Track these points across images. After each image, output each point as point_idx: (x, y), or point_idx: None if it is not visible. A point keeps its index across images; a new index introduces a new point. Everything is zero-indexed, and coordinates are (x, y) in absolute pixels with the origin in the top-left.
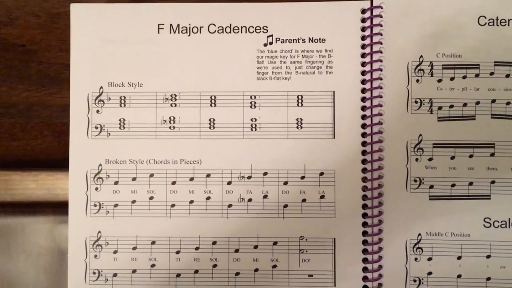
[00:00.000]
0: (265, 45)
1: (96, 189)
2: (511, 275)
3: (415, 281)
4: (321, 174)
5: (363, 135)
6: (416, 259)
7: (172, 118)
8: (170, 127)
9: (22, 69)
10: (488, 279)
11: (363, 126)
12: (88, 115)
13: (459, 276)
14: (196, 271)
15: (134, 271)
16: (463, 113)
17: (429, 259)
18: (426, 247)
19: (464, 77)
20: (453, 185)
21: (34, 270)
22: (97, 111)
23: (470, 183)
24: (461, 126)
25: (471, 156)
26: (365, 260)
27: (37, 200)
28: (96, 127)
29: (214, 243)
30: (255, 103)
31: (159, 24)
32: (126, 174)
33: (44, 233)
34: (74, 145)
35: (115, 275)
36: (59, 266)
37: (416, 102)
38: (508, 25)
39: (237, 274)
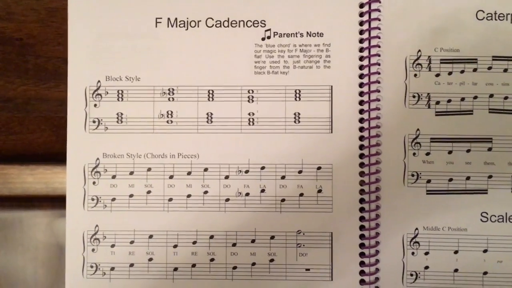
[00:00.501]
0: (263, 39)
1: (94, 183)
2: (508, 270)
3: (412, 275)
4: (319, 168)
5: (361, 129)
6: (413, 253)
7: (169, 112)
8: (167, 121)
9: (19, 63)
10: (485, 273)
11: (361, 120)
12: (85, 109)
13: (456, 270)
14: (194, 265)
15: (131, 265)
16: (461, 108)
17: (426, 253)
18: (423, 241)
19: (462, 72)
20: (450, 180)
21: (31, 264)
22: (95, 105)
23: (468, 178)
24: (459, 121)
25: (468, 150)
26: (362, 254)
27: (35, 194)
28: (94, 121)
29: (211, 237)
30: (252, 97)
31: (156, 18)
32: (124, 168)
33: (41, 227)
34: (72, 139)
35: (112, 268)
36: (56, 260)
37: (414, 96)
38: (507, 19)
39: (235, 268)
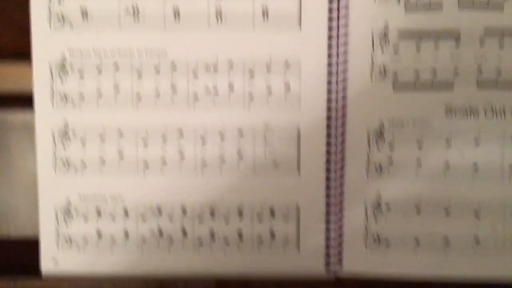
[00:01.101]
0: None
1: (61, 81)
2: (470, 162)
3: (376, 169)
4: (287, 65)
5: (330, 23)
6: (378, 148)
7: (135, 8)
8: (134, 18)
9: None
10: (448, 166)
11: (330, 14)
12: (49, 6)
13: (419, 164)
14: (164, 162)
15: (103, 162)
16: (431, 3)
17: (391, 147)
18: (388, 135)
19: None
20: (417, 75)
21: (3, 162)
22: (58, 2)
23: (434, 73)
24: (428, 16)
25: (436, 45)
26: (328, 146)
27: (2, 94)
28: (59, 19)
29: (181, 134)
30: None
31: None
32: (91, 66)
33: (11, 126)
34: (37, 38)
35: (84, 165)
36: (29, 156)
37: None
38: None
39: (204, 165)
